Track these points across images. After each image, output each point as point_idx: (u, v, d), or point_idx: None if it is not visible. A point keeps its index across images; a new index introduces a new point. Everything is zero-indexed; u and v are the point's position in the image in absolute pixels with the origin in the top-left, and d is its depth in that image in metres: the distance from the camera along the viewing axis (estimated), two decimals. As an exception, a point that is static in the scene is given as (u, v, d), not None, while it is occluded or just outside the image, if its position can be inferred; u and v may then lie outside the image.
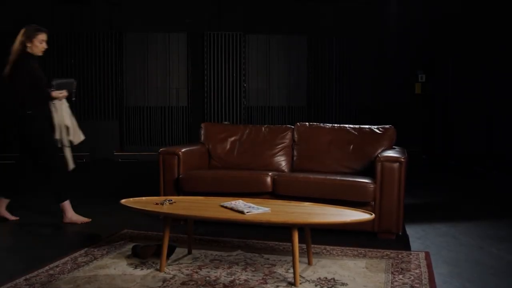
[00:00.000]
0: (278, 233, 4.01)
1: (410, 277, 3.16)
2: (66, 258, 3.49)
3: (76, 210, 4.63)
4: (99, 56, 9.41)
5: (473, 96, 8.49)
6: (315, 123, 4.97)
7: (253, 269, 3.29)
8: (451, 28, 9.13)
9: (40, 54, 4.54)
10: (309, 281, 3.10)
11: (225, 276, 3.15)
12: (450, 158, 9.05)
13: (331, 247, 3.79)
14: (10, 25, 9.01)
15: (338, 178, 4.18)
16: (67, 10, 9.19)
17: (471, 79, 8.55)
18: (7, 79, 4.46)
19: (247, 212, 3.13)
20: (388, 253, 3.68)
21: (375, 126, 4.80)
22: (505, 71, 7.58)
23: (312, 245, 3.51)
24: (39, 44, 4.51)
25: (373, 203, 4.05)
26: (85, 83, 9.31)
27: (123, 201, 3.51)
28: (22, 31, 4.48)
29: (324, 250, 3.72)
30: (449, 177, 7.84)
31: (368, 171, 4.39)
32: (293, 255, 2.98)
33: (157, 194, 4.50)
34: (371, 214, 3.15)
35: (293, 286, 2.99)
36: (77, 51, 9.28)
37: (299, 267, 3.07)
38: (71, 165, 4.67)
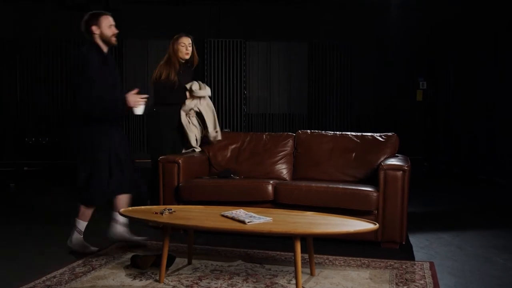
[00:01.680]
0: (279, 242, 3.94)
1: (415, 288, 3.10)
2: (64, 269, 3.43)
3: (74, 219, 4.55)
4: (99, 63, 9.35)
5: (474, 102, 8.45)
6: (316, 131, 4.92)
7: (255, 280, 3.22)
8: (451, 34, 9.10)
9: (185, 57, 4.81)
10: (311, 292, 3.04)
11: (225, 287, 3.09)
12: (452, 166, 8.99)
13: (334, 257, 3.73)
14: (10, 31, 9.04)
15: (341, 186, 4.12)
16: (67, 16, 9.14)
17: (472, 85, 8.50)
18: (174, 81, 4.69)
19: (248, 222, 3.07)
20: (392, 263, 3.61)
21: (378, 134, 4.74)
22: (507, 76, 7.54)
23: (315, 255, 3.45)
24: (182, 48, 4.79)
25: (376, 211, 3.99)
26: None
27: (121, 210, 3.47)
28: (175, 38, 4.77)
29: (326, 260, 3.65)
30: (452, 184, 7.79)
31: (370, 180, 4.34)
32: (295, 265, 2.91)
33: (156, 202, 4.45)
34: (375, 224, 3.09)
35: (295, 298, 2.93)
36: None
37: (301, 278, 3.01)
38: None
